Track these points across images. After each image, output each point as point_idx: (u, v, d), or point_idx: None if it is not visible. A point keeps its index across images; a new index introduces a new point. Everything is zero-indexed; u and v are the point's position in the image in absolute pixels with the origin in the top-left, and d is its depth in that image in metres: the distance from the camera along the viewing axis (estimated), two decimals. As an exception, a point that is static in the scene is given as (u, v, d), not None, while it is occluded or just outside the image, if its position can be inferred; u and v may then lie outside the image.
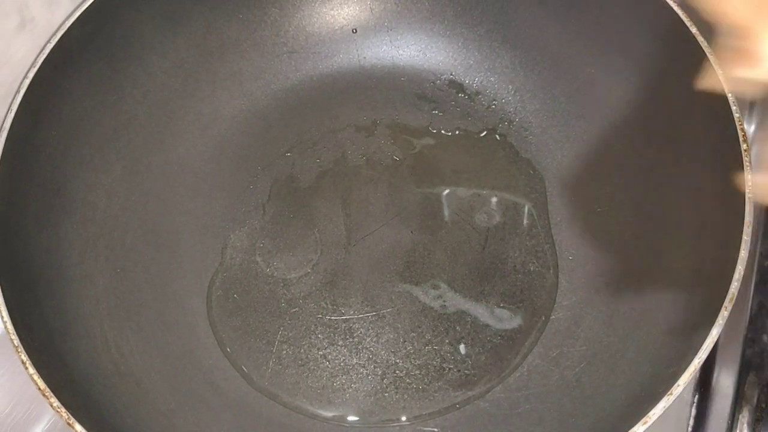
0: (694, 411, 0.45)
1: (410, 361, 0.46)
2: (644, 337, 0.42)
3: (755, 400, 0.43)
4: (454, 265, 0.49)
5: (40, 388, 0.36)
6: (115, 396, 0.41)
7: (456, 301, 0.47)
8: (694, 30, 0.42)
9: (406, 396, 0.45)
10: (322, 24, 0.55)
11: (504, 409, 0.44)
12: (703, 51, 0.41)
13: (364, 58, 0.56)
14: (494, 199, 0.51)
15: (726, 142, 0.40)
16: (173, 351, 0.45)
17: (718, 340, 0.36)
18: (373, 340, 0.46)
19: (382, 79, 0.55)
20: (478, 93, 0.54)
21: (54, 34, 0.44)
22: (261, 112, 0.54)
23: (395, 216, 0.51)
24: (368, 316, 0.47)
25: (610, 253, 0.47)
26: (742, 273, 0.37)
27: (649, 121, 0.47)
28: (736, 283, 0.36)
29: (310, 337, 0.47)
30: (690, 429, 0.44)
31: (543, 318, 0.47)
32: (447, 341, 0.46)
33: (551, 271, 0.48)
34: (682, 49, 0.43)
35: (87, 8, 0.45)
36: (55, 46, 0.44)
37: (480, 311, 0.47)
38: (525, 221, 0.50)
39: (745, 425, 0.42)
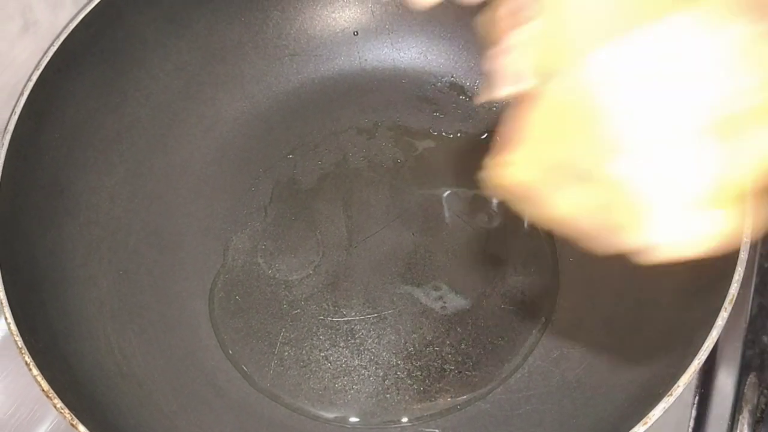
0: (694, 412, 0.45)
1: (411, 363, 0.46)
2: (644, 338, 0.42)
3: (755, 401, 0.43)
4: (455, 266, 0.49)
5: (43, 389, 0.36)
6: (118, 397, 0.41)
7: (457, 303, 0.48)
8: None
9: (407, 397, 0.45)
10: (323, 26, 0.56)
11: (505, 410, 0.44)
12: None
13: (366, 60, 0.56)
14: (495, 201, 0.51)
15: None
16: (176, 352, 0.46)
17: (718, 341, 0.36)
18: (375, 341, 0.47)
19: (384, 82, 0.55)
20: (479, 95, 0.55)
21: (57, 37, 0.44)
22: (263, 115, 0.54)
23: (396, 218, 0.51)
24: (370, 318, 0.47)
25: (609, 254, 0.47)
26: (741, 274, 0.37)
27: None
28: (735, 285, 0.36)
29: (311, 339, 0.47)
30: (690, 430, 0.44)
31: (543, 319, 0.47)
32: (448, 342, 0.46)
33: (552, 272, 0.48)
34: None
35: (90, 11, 0.45)
36: (58, 49, 0.44)
37: (481, 312, 0.47)
38: (526, 223, 0.50)
39: (746, 426, 0.42)
